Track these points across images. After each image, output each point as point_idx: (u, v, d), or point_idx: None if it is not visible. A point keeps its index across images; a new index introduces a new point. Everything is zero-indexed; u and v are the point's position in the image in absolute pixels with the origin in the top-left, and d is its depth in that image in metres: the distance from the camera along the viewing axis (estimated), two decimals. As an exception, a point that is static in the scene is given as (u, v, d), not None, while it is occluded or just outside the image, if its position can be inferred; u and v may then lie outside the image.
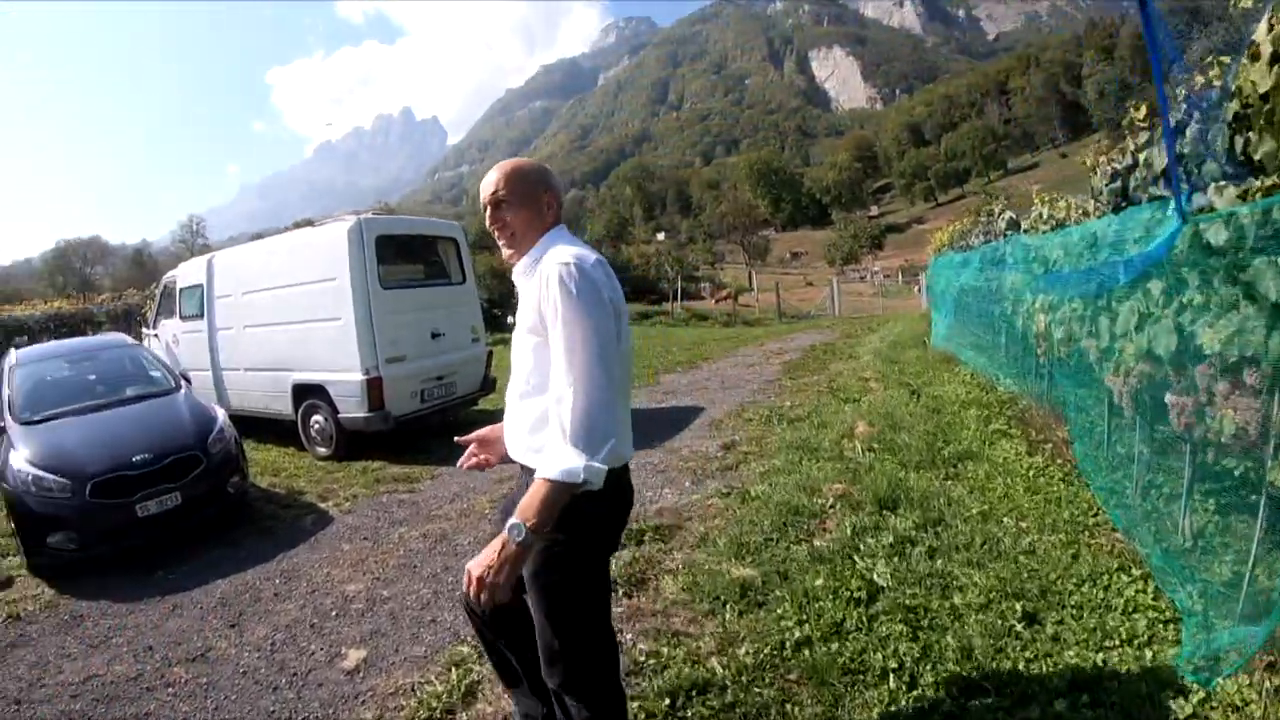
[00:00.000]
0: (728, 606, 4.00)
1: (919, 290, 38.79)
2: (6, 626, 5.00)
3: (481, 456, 2.67)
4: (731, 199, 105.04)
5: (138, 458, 6.05)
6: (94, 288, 68.22)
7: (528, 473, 2.22)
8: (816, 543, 4.69)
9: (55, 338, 17.62)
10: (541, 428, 2.19)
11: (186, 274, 11.26)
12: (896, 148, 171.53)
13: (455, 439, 2.69)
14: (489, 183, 2.33)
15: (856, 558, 4.35)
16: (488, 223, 2.35)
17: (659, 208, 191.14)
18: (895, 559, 4.29)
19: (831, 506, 5.26)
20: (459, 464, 2.70)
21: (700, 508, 5.70)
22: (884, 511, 5.03)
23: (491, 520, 2.79)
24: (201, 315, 10.58)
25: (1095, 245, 4.63)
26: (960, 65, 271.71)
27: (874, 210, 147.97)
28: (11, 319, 19.53)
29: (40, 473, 5.86)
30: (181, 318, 11.26)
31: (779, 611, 3.85)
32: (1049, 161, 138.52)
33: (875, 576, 4.07)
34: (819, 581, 4.08)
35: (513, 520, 1.95)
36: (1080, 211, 6.09)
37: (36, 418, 6.75)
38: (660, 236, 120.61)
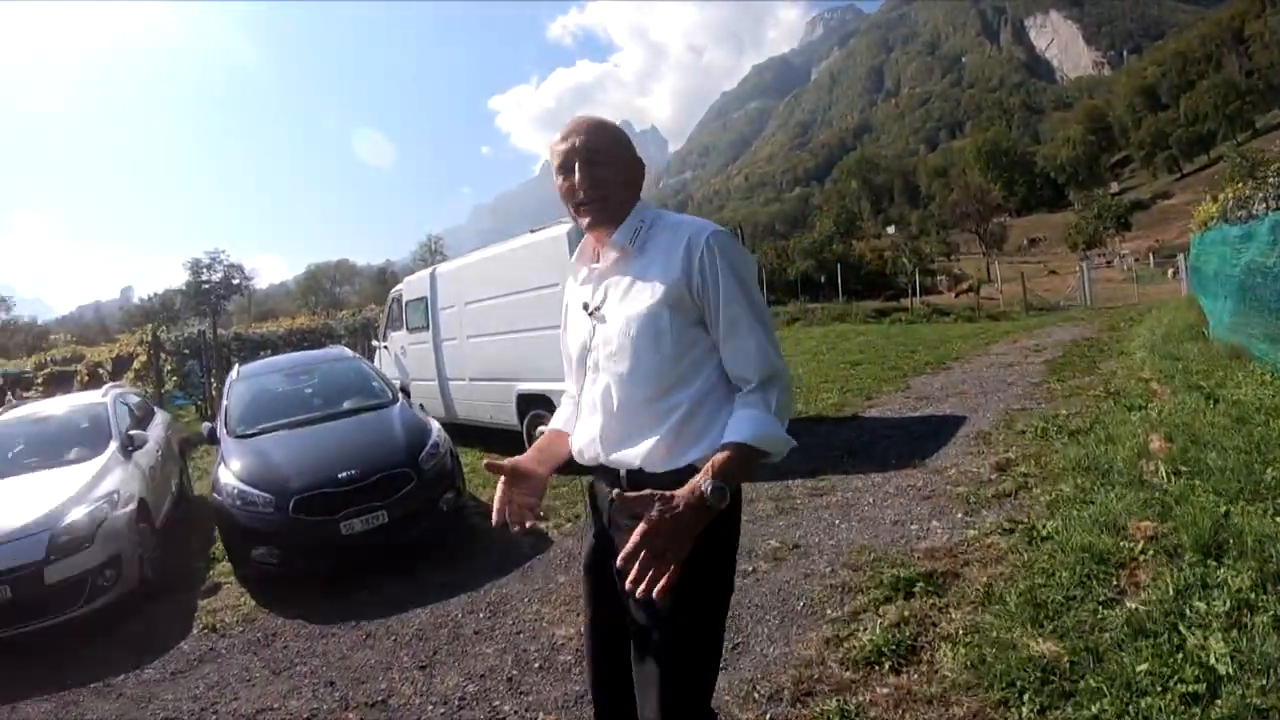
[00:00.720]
0: (1026, 696, 2.94)
1: (1175, 274, 35.07)
2: (201, 637, 5.02)
3: (523, 523, 2.06)
4: (962, 185, 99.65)
5: (343, 474, 5.79)
6: (342, 305, 73.89)
7: (637, 487, 1.81)
8: (1129, 604, 3.50)
9: (296, 351, 18.61)
10: (693, 422, 1.86)
11: (412, 287, 11.43)
12: (1131, 115, 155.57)
13: (485, 464, 2.03)
14: (573, 138, 1.94)
15: (1183, 628, 3.16)
16: (577, 181, 1.93)
17: (886, 200, 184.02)
18: (1233, 632, 3.08)
19: (1141, 552, 4.02)
20: (493, 521, 2.04)
21: (979, 548, 4.58)
22: (1208, 561, 3.75)
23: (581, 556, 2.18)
24: (427, 327, 10.68)
25: None
26: (1188, 16, 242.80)
27: (1114, 187, 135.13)
28: (257, 335, 20.93)
29: (245, 487, 5.85)
30: (408, 329, 11.44)
31: (1093, 709, 2.77)
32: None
33: (1213, 659, 2.89)
34: (1143, 666, 2.95)
35: (714, 482, 1.69)
36: None
37: (250, 431, 6.78)
38: (890, 230, 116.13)
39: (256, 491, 5.76)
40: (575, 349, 2.05)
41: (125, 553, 5.64)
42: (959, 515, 5.19)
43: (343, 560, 5.74)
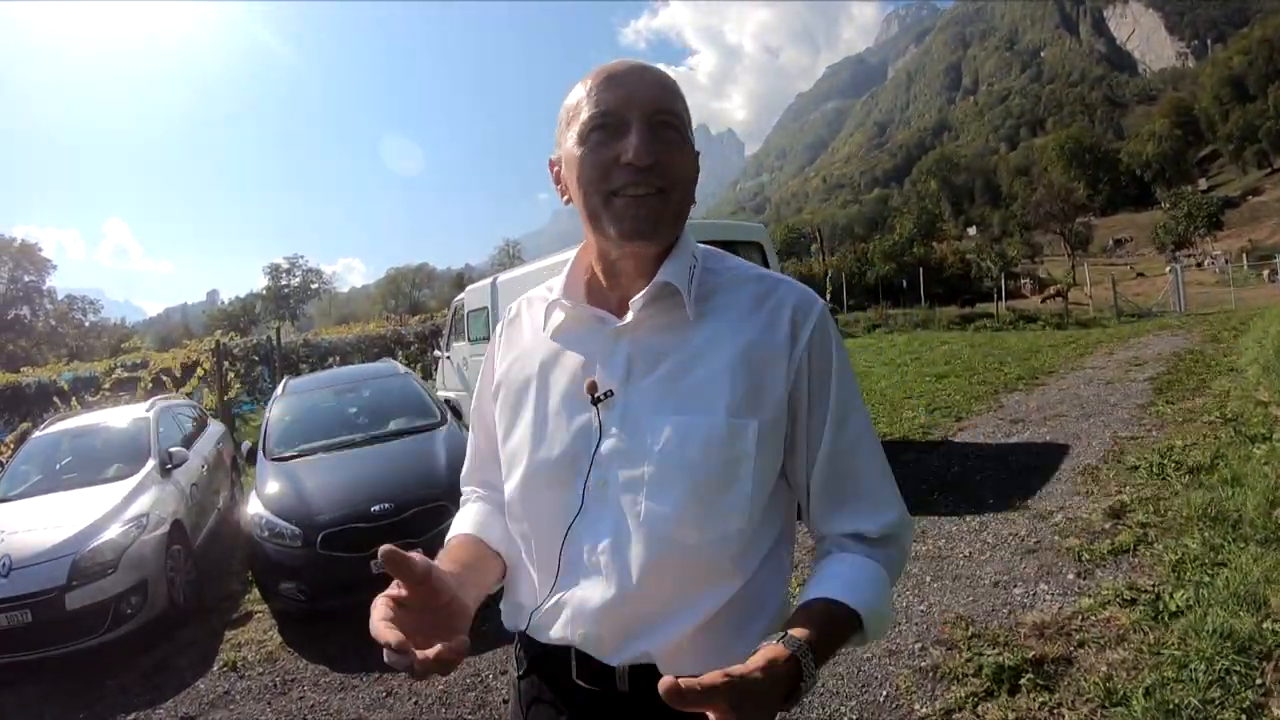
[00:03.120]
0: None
1: (1273, 276, 33.51)
2: (220, 675, 4.83)
3: (422, 653, 0.88)
4: (1045, 184, 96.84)
5: (376, 508, 5.37)
6: (420, 308, 74.90)
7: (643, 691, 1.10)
8: (1278, 713, 2.88)
9: (365, 359, 18.51)
10: (745, 607, 1.16)
11: (473, 296, 11.06)
12: (1218, 108, 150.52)
13: (382, 553, 0.95)
14: (628, 83, 1.15)
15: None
16: (633, 149, 1.11)
17: (966, 200, 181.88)
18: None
19: (1289, 638, 3.36)
20: (387, 657, 0.88)
21: (1095, 623, 3.87)
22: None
23: None
24: (488, 339, 10.13)
25: None
26: (1274, 2, 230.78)
27: (1202, 183, 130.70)
28: (325, 342, 20.74)
29: (273, 518, 5.54)
30: (470, 340, 11.05)
31: None
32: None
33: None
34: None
35: (812, 661, 0.97)
36: None
37: (287, 454, 6.49)
38: (971, 231, 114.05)
39: (284, 523, 5.41)
40: (549, 448, 1.21)
41: (152, 578, 5.51)
42: (1070, 577, 4.48)
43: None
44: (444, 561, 1.18)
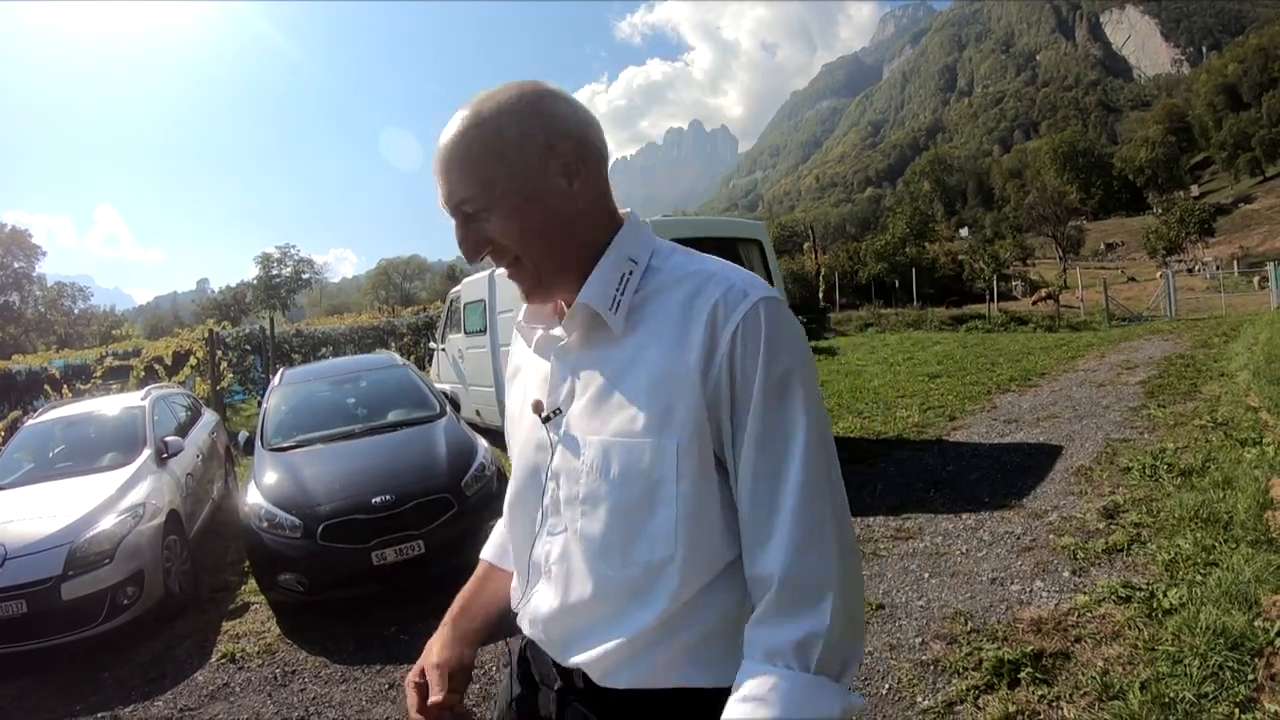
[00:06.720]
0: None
1: (1264, 283, 33.61)
2: (218, 667, 4.76)
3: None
4: (1037, 187, 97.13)
5: (377, 499, 5.32)
6: (411, 300, 74.64)
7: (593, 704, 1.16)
8: (1268, 706, 2.91)
9: (358, 350, 18.47)
10: (695, 617, 1.09)
11: (470, 289, 11.08)
12: (1211, 115, 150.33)
13: (409, 681, 1.31)
14: (437, 176, 1.12)
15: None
16: (462, 246, 1.17)
17: (959, 202, 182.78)
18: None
19: (1278, 635, 3.39)
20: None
21: (1091, 619, 3.92)
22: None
23: None
24: (484, 331, 10.26)
25: None
26: (1269, 10, 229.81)
27: (1194, 190, 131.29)
28: (317, 333, 20.66)
29: (272, 509, 5.46)
30: (466, 333, 11.09)
31: None
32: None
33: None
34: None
35: None
36: None
37: (285, 444, 6.42)
38: (963, 233, 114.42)
39: (284, 514, 5.35)
40: (522, 461, 1.25)
41: (148, 569, 5.43)
42: (1066, 574, 4.52)
43: (374, 591, 5.29)
44: (456, 608, 1.41)
